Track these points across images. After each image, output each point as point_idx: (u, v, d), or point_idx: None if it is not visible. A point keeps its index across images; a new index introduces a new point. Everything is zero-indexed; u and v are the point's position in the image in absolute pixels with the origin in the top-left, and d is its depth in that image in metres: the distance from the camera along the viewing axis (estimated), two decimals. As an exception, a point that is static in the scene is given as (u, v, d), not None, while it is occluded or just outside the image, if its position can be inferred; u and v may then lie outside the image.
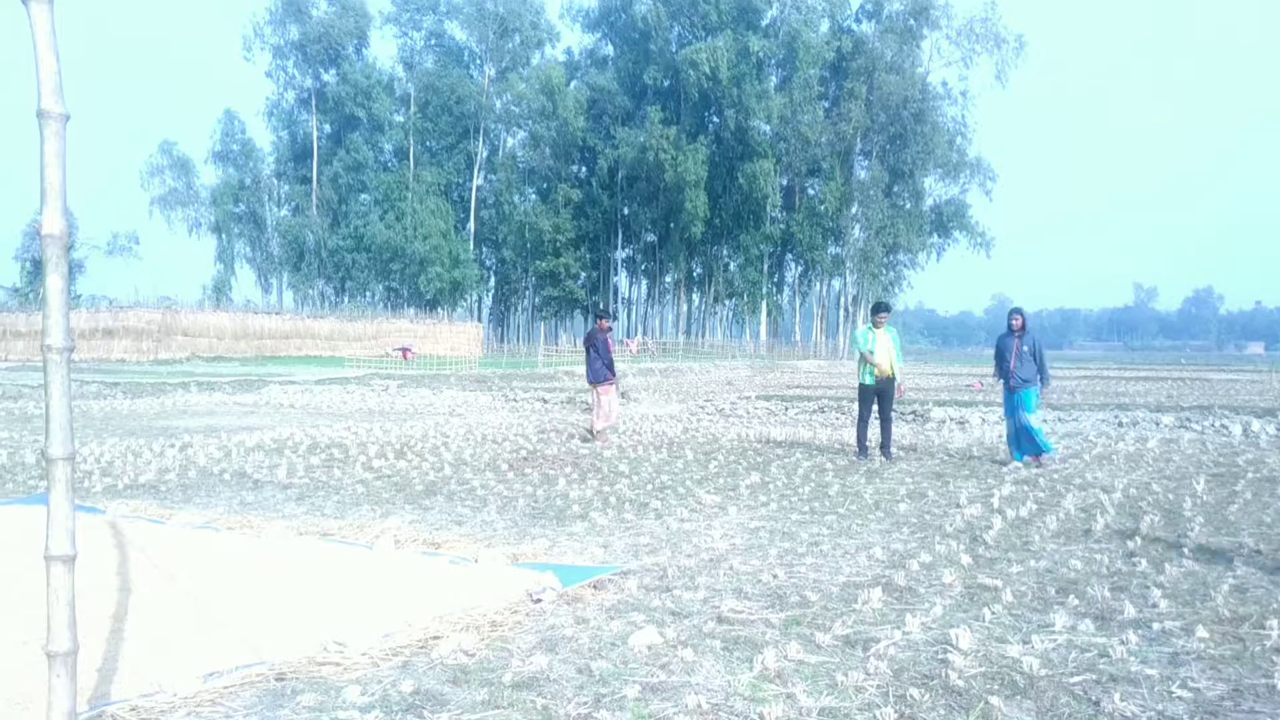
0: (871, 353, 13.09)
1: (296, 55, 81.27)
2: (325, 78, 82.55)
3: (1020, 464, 12.38)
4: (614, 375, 15.26)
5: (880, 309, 13.43)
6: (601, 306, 16.83)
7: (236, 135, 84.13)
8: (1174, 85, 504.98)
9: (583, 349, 15.62)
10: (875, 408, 13.32)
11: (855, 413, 14.38)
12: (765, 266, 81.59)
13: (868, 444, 13.34)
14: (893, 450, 13.31)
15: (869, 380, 13.20)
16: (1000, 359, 13.03)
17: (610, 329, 15.61)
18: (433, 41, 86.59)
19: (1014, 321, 12.87)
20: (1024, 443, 12.67)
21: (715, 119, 79.88)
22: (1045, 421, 18.61)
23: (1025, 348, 12.67)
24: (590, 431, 15.20)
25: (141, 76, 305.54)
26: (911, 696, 4.24)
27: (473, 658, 4.71)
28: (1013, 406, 12.75)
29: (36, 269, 76.23)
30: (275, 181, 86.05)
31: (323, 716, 3.97)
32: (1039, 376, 12.72)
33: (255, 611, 5.44)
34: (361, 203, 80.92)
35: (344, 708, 4.05)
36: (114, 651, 4.67)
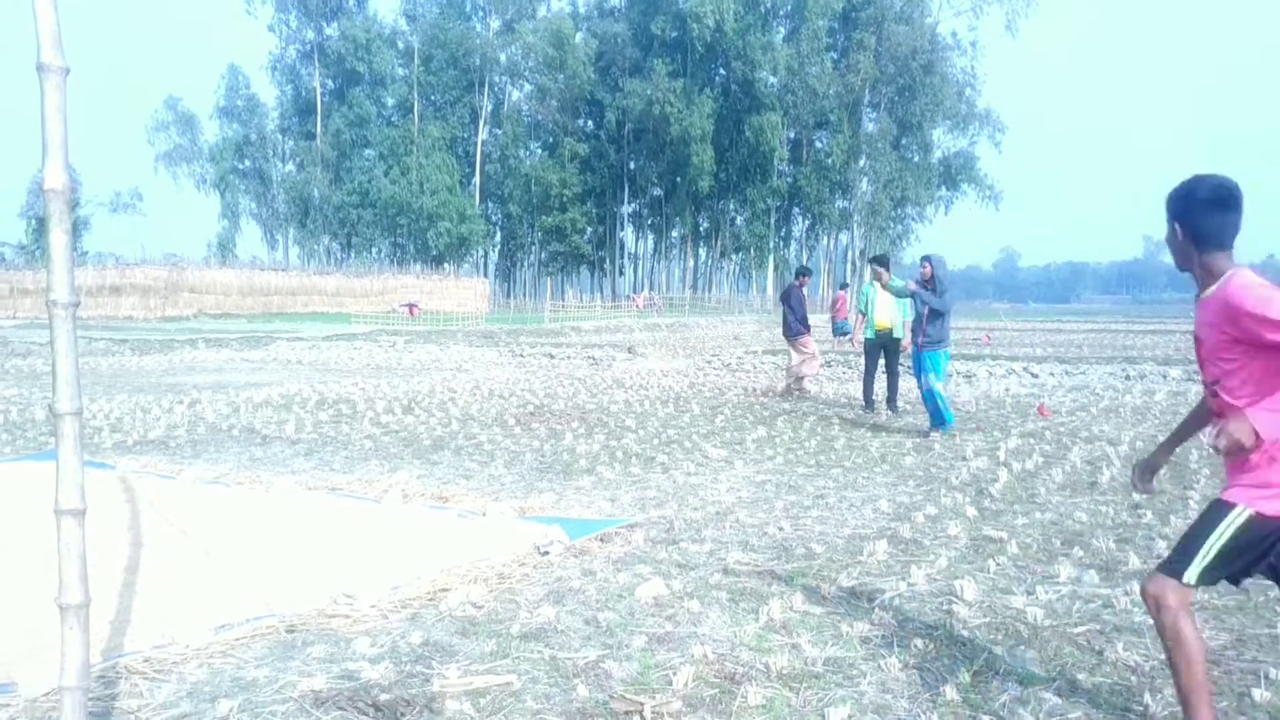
0: (863, 313, 13.35)
1: (298, 9, 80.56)
2: (327, 31, 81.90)
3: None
4: (808, 330, 15.40)
5: (875, 262, 13.18)
6: (804, 264, 17.34)
7: (241, 91, 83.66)
8: (1185, 34, 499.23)
9: (780, 304, 15.95)
10: (881, 362, 13.37)
11: (861, 366, 14.46)
12: (772, 220, 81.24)
13: (874, 398, 13.44)
14: (898, 404, 13.33)
15: (871, 335, 13.30)
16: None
17: (805, 285, 15.89)
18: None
19: (922, 270, 11.12)
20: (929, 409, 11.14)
21: (722, 71, 79.19)
22: (1052, 375, 18.62)
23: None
24: (790, 384, 15.29)
25: (145, 32, 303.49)
26: (916, 647, 4.27)
27: (481, 610, 4.75)
28: (921, 368, 11.02)
29: (42, 226, 75.48)
30: (280, 137, 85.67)
31: (333, 668, 4.01)
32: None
33: (265, 565, 5.49)
34: (366, 158, 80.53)
35: (354, 659, 4.10)
36: (126, 604, 4.72)
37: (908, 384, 13.59)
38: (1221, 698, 3.73)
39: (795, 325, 15.23)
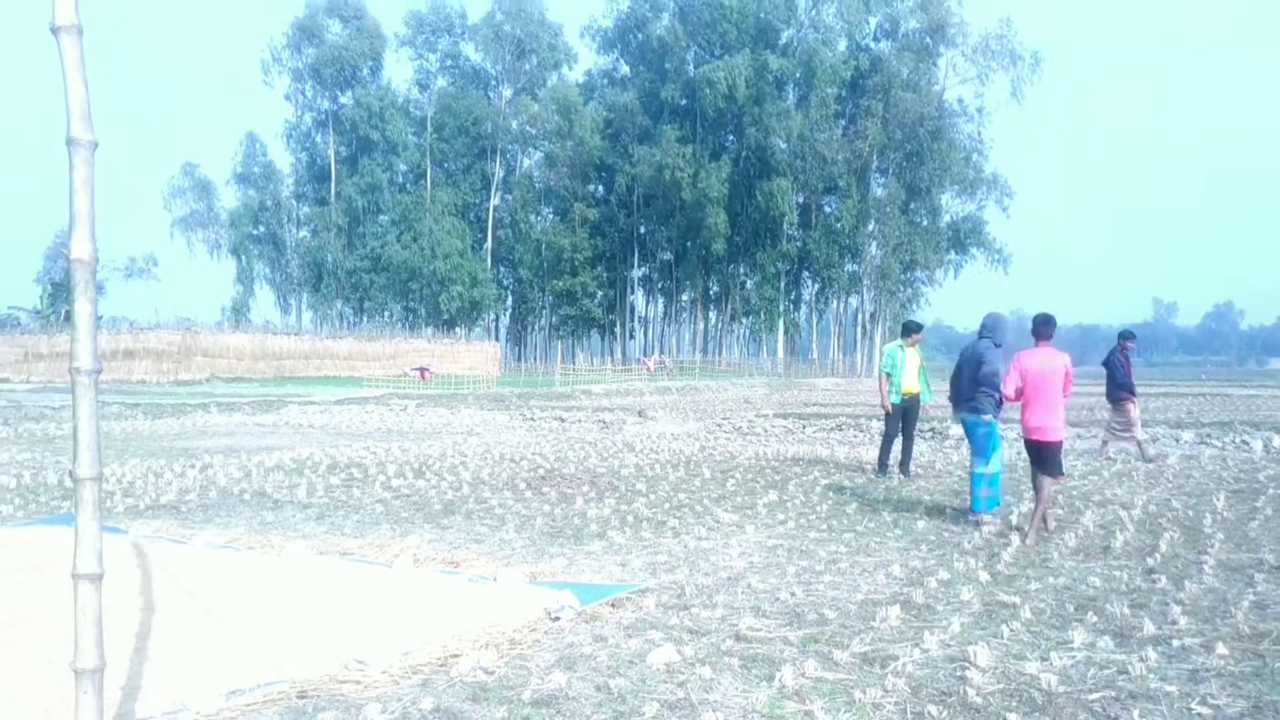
0: (889, 374, 13.17)
1: (313, 78, 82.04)
2: (342, 100, 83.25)
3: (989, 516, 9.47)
4: (1132, 395, 15.39)
5: (912, 328, 13.42)
6: (1126, 328, 17.17)
7: (258, 157, 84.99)
8: (1193, 100, 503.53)
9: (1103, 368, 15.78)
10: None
11: (873, 430, 14.32)
12: (782, 284, 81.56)
13: (889, 462, 13.33)
14: (912, 468, 13.29)
15: (897, 399, 13.14)
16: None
17: (1129, 349, 15.72)
18: (449, 63, 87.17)
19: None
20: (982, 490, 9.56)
21: (732, 137, 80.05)
22: (1065, 438, 18.51)
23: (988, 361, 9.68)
24: (1140, 450, 15.16)
25: (163, 99, 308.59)
26: (930, 714, 4.24)
27: (492, 675, 4.74)
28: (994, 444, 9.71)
29: (58, 291, 77.00)
30: (294, 203, 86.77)
31: (344, 734, 4.00)
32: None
33: (276, 630, 5.48)
34: (379, 224, 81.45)
35: (365, 725, 4.08)
36: (138, 669, 4.72)
37: (918, 447, 13.56)
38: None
39: (1114, 390, 15.36)
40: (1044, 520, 8.67)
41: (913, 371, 13.18)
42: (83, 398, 2.89)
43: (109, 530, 8.33)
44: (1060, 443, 8.95)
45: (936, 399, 14.59)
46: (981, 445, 9.67)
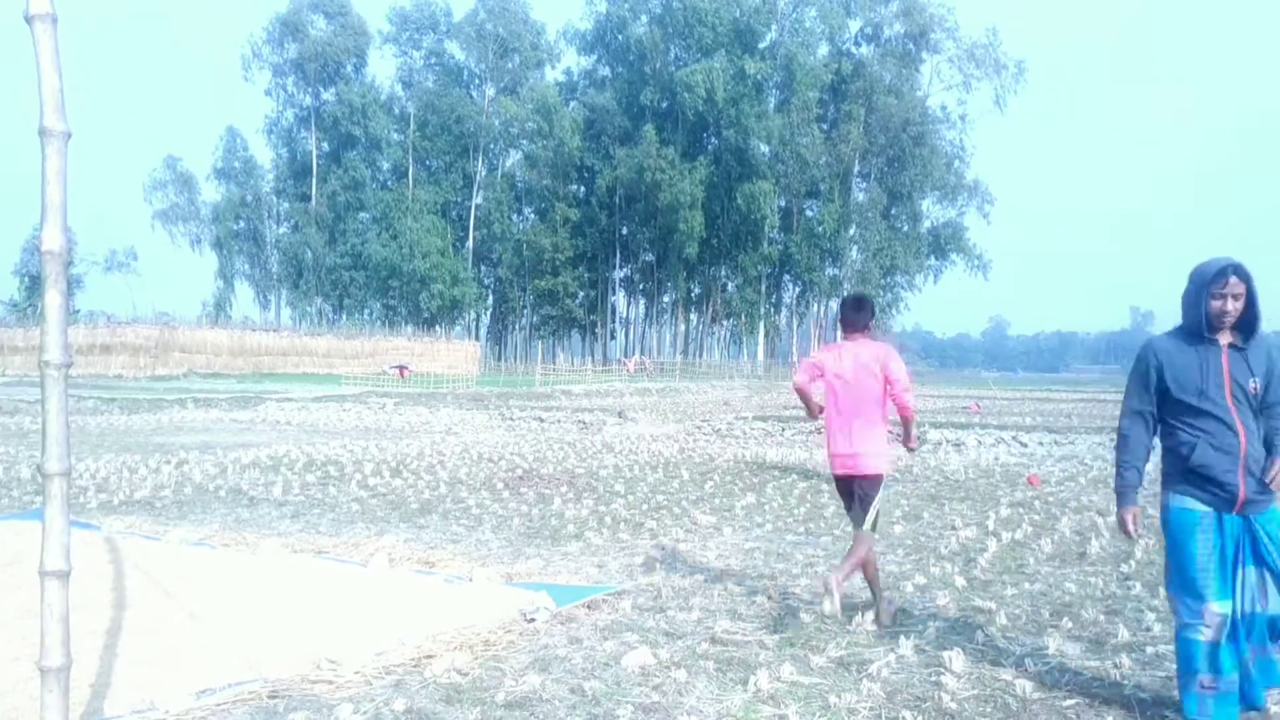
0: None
1: (295, 74, 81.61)
2: (324, 96, 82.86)
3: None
4: None
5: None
6: None
7: (239, 152, 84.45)
8: (1172, 110, 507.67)
9: None
10: None
11: None
12: (763, 287, 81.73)
13: None
14: None
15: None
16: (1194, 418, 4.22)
17: None
18: (432, 61, 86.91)
19: (1228, 293, 4.16)
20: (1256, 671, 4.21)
21: (713, 139, 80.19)
22: (1041, 444, 18.60)
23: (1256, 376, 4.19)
24: None
25: (143, 91, 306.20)
26: (904, 718, 4.24)
27: (466, 677, 4.71)
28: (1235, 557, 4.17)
29: (35, 284, 76.31)
30: (275, 199, 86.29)
31: (315, 735, 3.96)
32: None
33: (249, 629, 5.44)
34: (360, 221, 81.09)
35: (336, 726, 4.05)
36: (107, 667, 4.66)
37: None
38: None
39: None
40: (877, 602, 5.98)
41: None
42: (52, 391, 2.85)
43: (82, 526, 8.25)
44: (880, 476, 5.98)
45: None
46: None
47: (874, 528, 5.88)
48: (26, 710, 4.02)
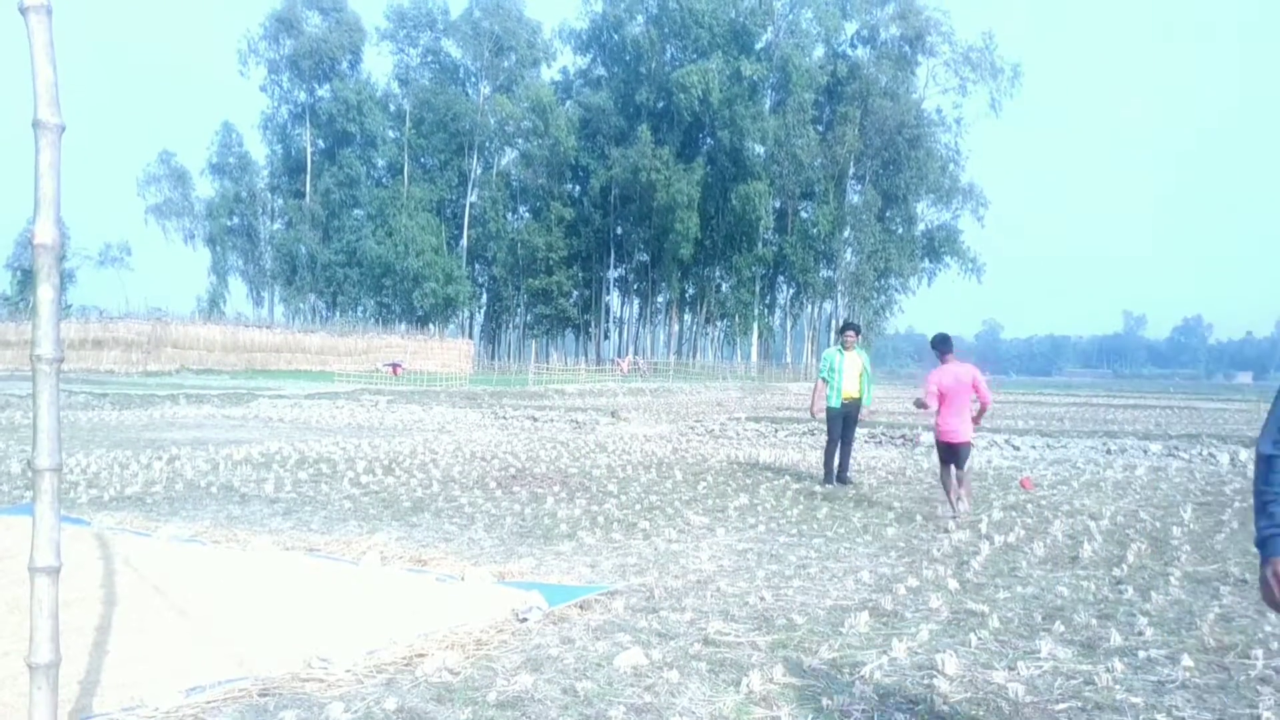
0: (826, 380, 12.58)
1: (290, 70, 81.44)
2: (319, 92, 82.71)
3: None
4: None
5: (848, 329, 12.94)
6: None
7: (234, 148, 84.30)
8: (1168, 114, 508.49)
9: None
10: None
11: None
12: (757, 288, 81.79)
13: (833, 469, 12.68)
14: (849, 475, 12.81)
15: (836, 403, 12.53)
16: None
17: None
18: (429, 58, 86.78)
19: None
20: None
21: (709, 140, 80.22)
22: (1034, 447, 18.64)
23: None
24: None
25: (137, 85, 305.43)
26: (897, 721, 4.23)
27: (457, 676, 4.69)
28: None
29: (27, 278, 76.10)
30: (269, 195, 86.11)
31: (305, 733, 3.94)
32: None
33: (239, 626, 5.41)
34: (354, 218, 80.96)
35: (327, 725, 4.03)
36: (96, 664, 4.64)
37: (888, 453, 13.52)
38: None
39: None
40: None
41: (853, 375, 12.56)
42: (43, 386, 2.83)
43: (72, 521, 8.21)
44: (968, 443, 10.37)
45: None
46: None
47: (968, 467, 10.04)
48: (14, 706, 3.99)
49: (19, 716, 3.71)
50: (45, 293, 2.83)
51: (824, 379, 12.70)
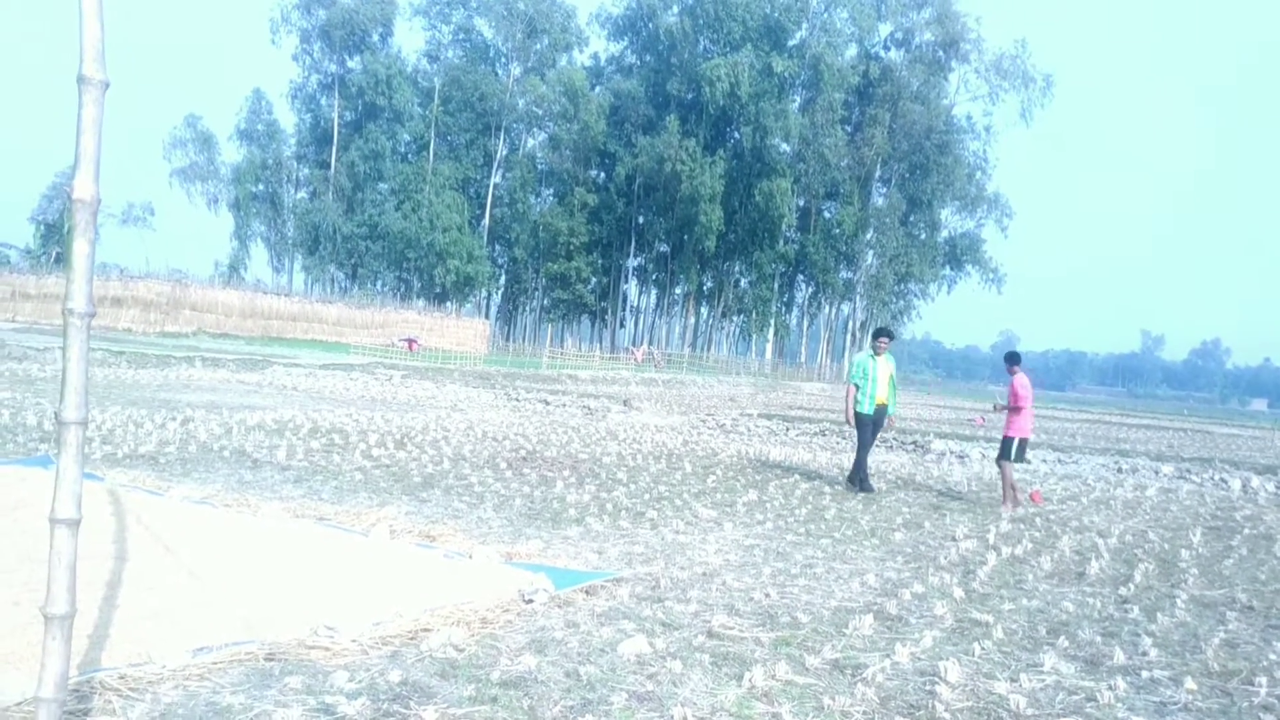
0: (857, 385, 12.44)
1: (322, 40, 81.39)
2: (350, 64, 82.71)
3: None
4: None
5: (882, 334, 12.78)
6: None
7: (263, 115, 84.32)
8: (1194, 137, 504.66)
9: None
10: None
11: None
12: (776, 285, 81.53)
13: (867, 474, 12.61)
14: (868, 482, 12.63)
15: (869, 409, 12.40)
16: None
17: None
18: (460, 36, 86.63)
19: None
20: None
21: (735, 134, 79.95)
22: (1045, 462, 18.57)
23: None
24: None
25: (169, 49, 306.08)
26: (897, 725, 4.23)
27: (462, 653, 4.71)
28: None
29: (50, 232, 76.46)
30: (295, 164, 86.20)
31: (310, 700, 3.97)
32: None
33: (248, 590, 5.45)
34: (378, 191, 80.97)
35: (331, 692, 4.06)
36: (106, 618, 4.68)
37: (899, 459, 13.48)
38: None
39: None
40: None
41: (884, 381, 12.49)
42: (74, 340, 2.85)
43: (86, 476, 8.26)
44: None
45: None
46: None
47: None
48: (24, 656, 4.03)
49: (30, 666, 3.75)
50: (81, 247, 2.84)
51: (855, 384, 12.54)
